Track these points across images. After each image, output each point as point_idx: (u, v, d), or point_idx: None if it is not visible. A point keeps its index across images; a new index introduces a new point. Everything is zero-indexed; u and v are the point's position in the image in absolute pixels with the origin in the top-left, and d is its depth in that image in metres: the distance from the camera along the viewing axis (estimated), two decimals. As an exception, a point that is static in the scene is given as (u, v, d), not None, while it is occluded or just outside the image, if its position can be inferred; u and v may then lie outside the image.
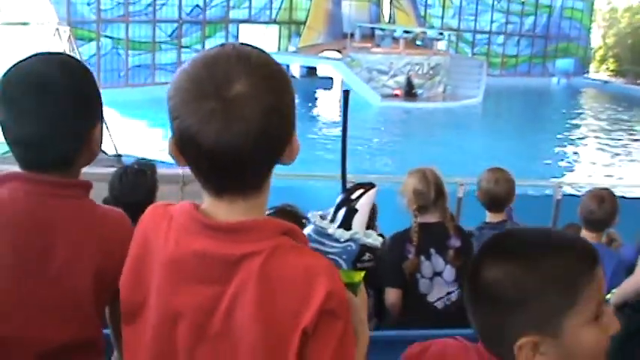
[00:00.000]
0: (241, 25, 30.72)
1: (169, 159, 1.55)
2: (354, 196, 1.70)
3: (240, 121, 1.41)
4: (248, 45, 1.52)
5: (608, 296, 4.05)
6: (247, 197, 1.53)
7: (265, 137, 1.44)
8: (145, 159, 4.22)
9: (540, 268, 1.59)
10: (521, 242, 1.67)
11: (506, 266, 1.61)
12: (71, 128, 1.93)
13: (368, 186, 1.74)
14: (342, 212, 1.69)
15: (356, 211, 1.69)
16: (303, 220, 3.75)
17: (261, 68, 1.47)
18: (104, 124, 2.04)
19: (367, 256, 1.70)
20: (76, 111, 1.92)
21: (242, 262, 1.47)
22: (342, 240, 1.66)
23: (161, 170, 4.36)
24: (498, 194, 4.76)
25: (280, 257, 1.48)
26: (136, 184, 3.95)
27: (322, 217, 1.70)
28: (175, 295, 1.54)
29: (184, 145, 1.48)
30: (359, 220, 1.68)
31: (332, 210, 1.71)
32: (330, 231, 1.66)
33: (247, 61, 1.46)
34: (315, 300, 1.43)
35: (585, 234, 4.65)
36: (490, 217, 4.92)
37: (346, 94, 1.83)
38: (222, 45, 1.51)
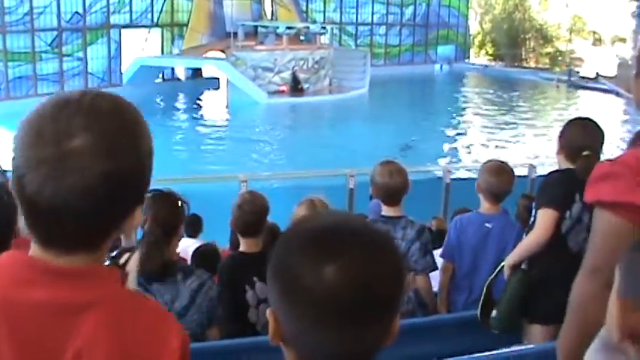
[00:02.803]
0: (123, 30, 30.18)
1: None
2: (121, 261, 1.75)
3: (68, 177, 1.32)
4: (109, 96, 1.42)
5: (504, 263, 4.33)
6: (74, 256, 1.41)
7: (92, 201, 1.34)
8: None
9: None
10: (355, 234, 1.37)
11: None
12: None
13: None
14: None
15: None
16: (181, 203, 3.71)
17: (109, 128, 1.36)
18: None
19: None
20: None
21: (85, 312, 1.39)
22: None
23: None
24: (395, 186, 4.73)
25: (127, 308, 1.45)
26: None
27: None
28: (9, 353, 1.38)
29: (14, 184, 1.37)
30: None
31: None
32: None
33: (97, 115, 1.36)
34: (173, 349, 1.44)
35: (485, 206, 4.91)
36: (386, 211, 4.82)
37: None
38: (82, 91, 1.41)
